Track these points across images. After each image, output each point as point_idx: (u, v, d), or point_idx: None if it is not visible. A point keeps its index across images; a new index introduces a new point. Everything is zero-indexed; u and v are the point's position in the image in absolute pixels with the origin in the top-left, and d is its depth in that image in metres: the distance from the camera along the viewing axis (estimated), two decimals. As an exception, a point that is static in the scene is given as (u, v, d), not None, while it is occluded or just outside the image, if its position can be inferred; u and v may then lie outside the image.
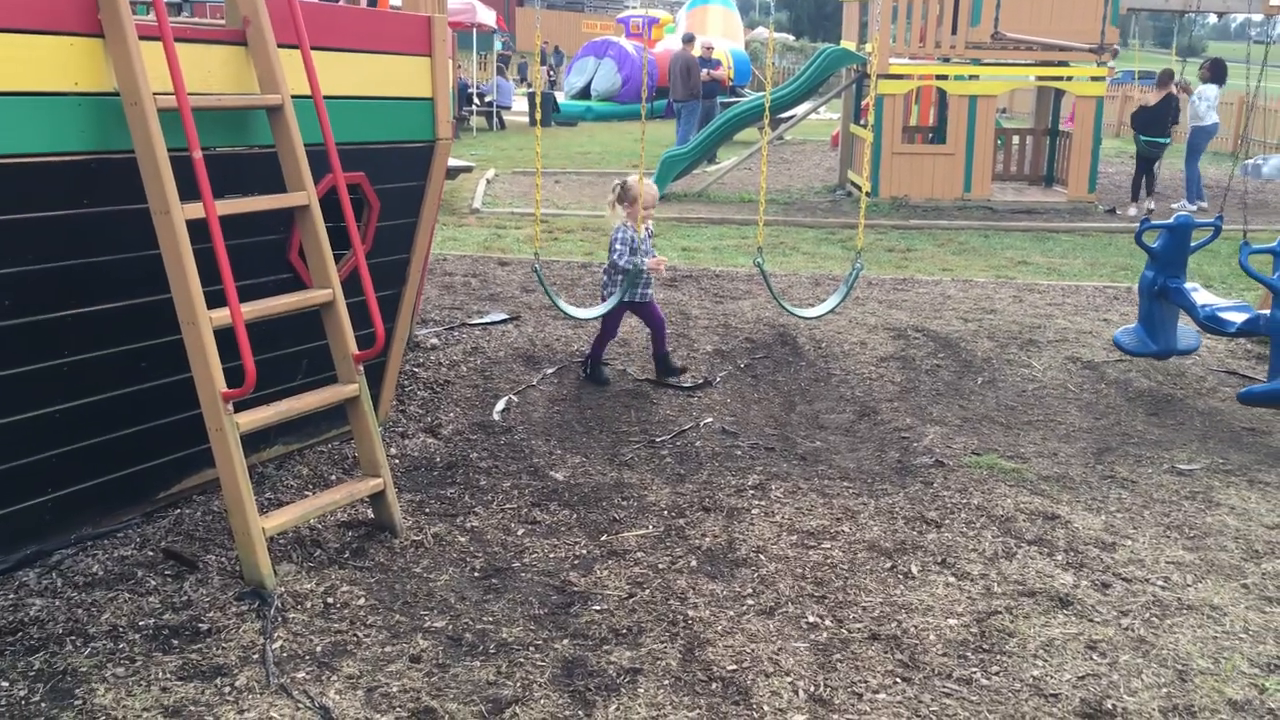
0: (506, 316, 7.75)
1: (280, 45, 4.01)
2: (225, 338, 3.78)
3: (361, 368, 4.15)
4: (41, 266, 3.58)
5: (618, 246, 5.81)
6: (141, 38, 3.53)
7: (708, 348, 7.13)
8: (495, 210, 13.29)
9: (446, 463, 5.03)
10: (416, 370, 6.39)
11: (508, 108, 26.03)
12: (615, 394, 6.17)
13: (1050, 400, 6.23)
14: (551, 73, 32.58)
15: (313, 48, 4.08)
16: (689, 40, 18.16)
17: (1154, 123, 13.47)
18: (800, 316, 6.80)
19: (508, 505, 4.58)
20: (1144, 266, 6.56)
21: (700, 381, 6.39)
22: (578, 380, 6.40)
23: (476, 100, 23.67)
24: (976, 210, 13.73)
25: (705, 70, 18.07)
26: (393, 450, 5.15)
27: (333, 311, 4.13)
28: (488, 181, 15.68)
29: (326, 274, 4.10)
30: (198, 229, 3.63)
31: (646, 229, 5.90)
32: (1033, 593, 3.92)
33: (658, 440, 5.43)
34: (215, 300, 3.70)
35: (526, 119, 26.07)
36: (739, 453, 5.30)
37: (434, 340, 7.04)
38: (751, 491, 4.78)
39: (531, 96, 26.06)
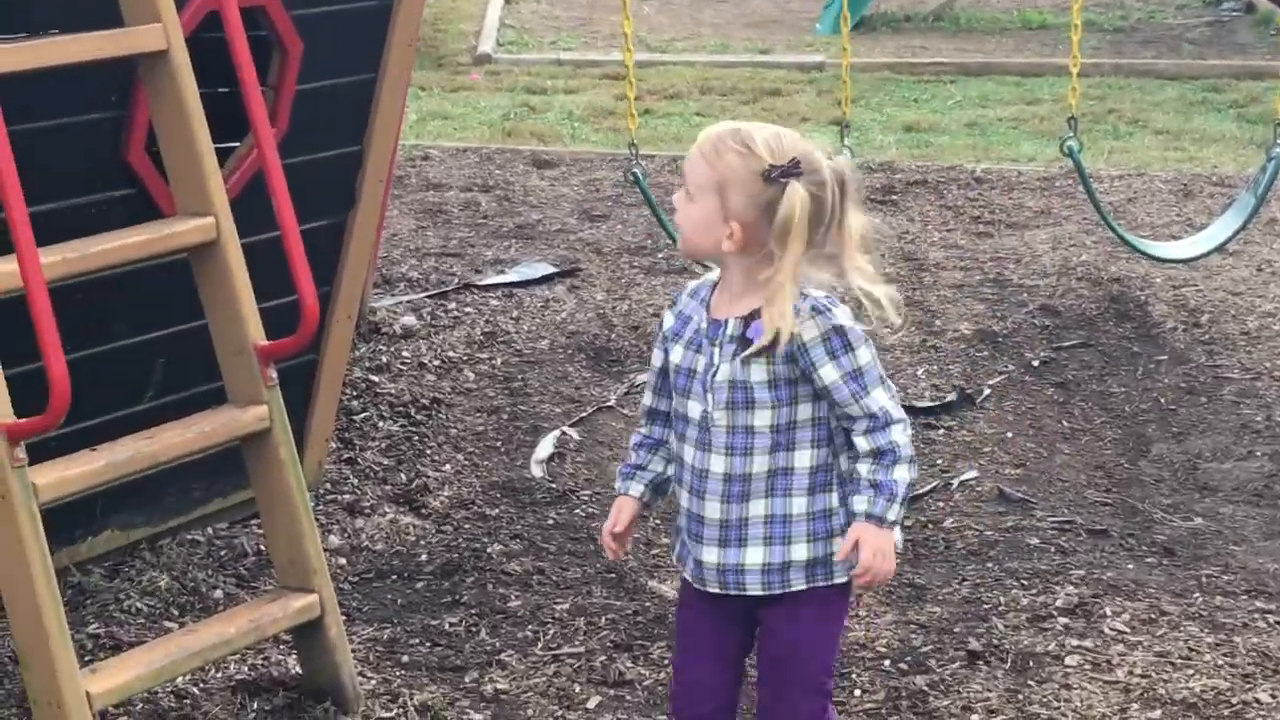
0: (553, 270, 7.83)
1: None
2: (6, 317, 3.86)
3: (274, 373, 4.22)
4: None
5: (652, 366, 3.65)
6: None
7: (962, 327, 7.13)
8: (524, 57, 13.46)
9: (442, 564, 5.11)
10: (376, 379, 6.50)
11: None
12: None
13: None
14: None
15: None
16: None
17: None
18: (1157, 258, 6.73)
19: (566, 648, 4.62)
20: None
21: (949, 397, 6.40)
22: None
23: None
24: None
25: None
26: (334, 539, 5.23)
27: (215, 261, 4.17)
28: (506, 1, 15.85)
29: (203, 187, 4.15)
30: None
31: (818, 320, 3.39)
32: None
33: (865, 516, 5.45)
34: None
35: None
36: (1034, 540, 5.29)
37: (410, 319, 7.15)
38: (1063, 619, 4.75)
39: None
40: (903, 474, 3.33)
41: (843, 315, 3.33)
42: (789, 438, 3.39)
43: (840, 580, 3.41)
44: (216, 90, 4.60)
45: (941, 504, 5.55)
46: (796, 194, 3.28)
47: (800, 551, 3.40)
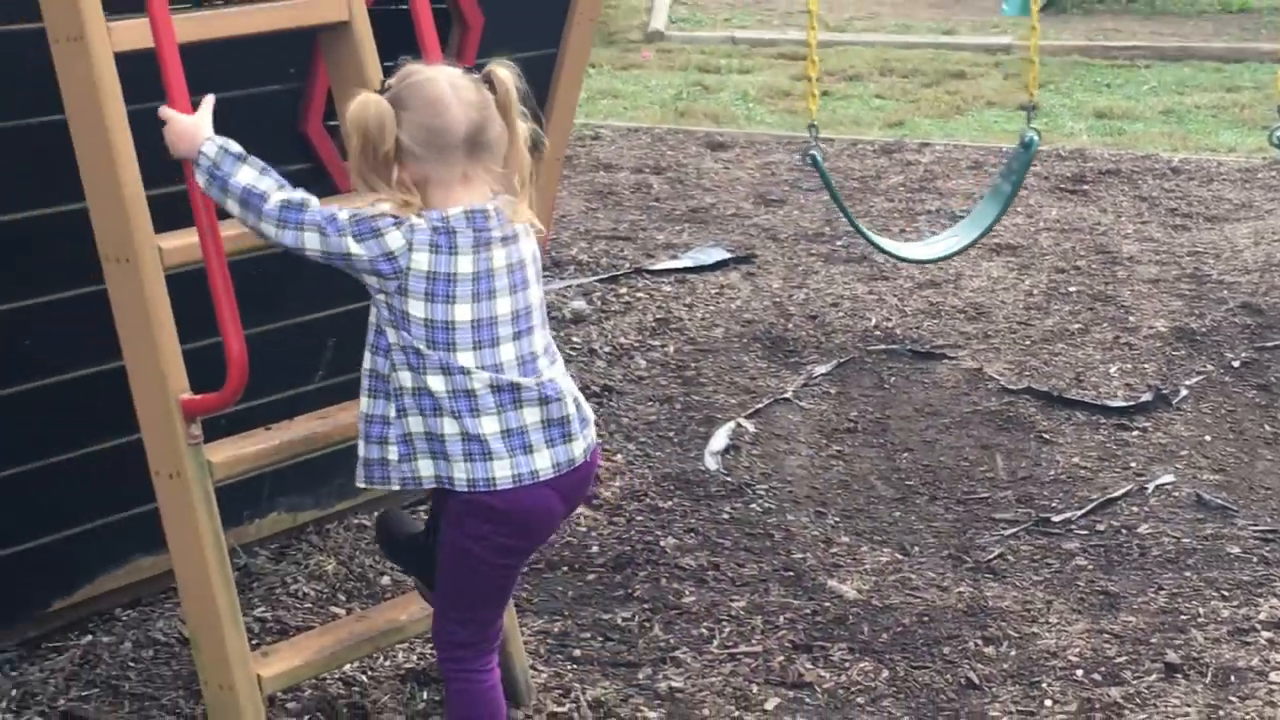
0: (728, 255, 7.85)
1: None
2: (184, 291, 3.93)
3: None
4: None
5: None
6: None
7: (1158, 324, 7.06)
8: (697, 35, 13.48)
9: (614, 556, 5.16)
10: (546, 365, 6.53)
11: None
12: (961, 420, 6.18)
13: None
14: None
15: None
16: None
17: None
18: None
19: (743, 647, 4.64)
20: None
21: (1145, 397, 6.36)
22: (879, 390, 6.42)
23: None
24: None
25: None
26: (504, 528, 5.28)
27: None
28: (679, -25, 15.91)
29: (383, 163, 4.21)
30: (137, 72, 3.80)
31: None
32: None
33: (1057, 519, 5.44)
34: (166, 217, 3.87)
35: None
36: (1235, 549, 5.23)
37: (580, 304, 7.20)
38: (1267, 634, 4.70)
39: None
40: (245, 181, 3.59)
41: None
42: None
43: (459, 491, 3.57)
44: (397, 64, 4.65)
45: (1136, 508, 5.50)
46: (358, 101, 3.57)
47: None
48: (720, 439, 5.98)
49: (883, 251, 6.49)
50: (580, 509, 5.43)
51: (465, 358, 3.52)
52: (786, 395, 6.35)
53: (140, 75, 3.80)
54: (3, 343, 4.24)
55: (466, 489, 3.55)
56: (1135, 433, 6.06)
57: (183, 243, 3.82)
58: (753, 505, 5.51)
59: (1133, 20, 13.83)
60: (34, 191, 4.11)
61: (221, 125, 4.29)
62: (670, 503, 5.51)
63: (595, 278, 7.55)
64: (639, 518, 5.41)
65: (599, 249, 7.97)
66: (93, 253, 3.84)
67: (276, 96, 4.59)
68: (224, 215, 3.80)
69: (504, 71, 3.63)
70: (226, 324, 3.74)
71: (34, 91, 3.88)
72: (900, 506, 5.55)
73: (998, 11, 14.22)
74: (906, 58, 12.57)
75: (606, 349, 6.75)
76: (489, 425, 3.53)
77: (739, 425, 6.09)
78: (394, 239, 3.48)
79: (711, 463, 5.82)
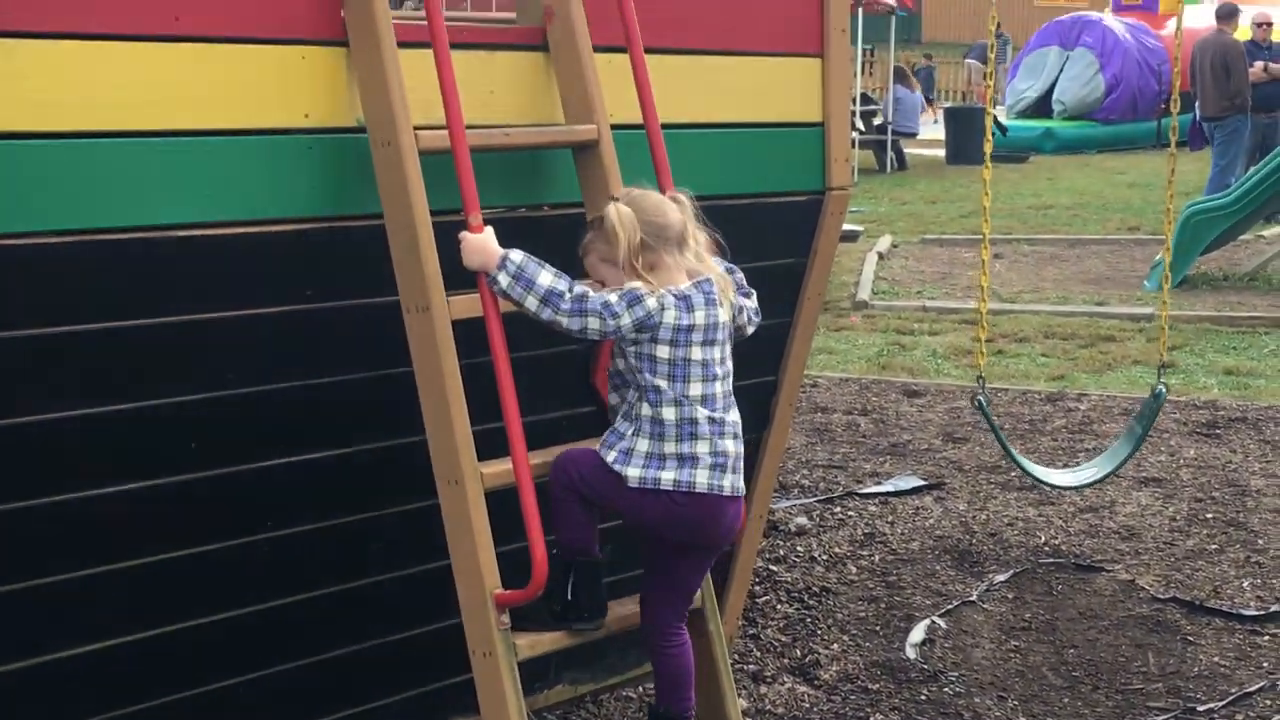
0: (922, 483, 7.79)
1: (596, 48, 4.30)
2: (498, 505, 4.01)
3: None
4: (241, 393, 3.97)
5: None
6: (398, 43, 3.89)
7: (1286, 549, 6.85)
8: (895, 304, 13.48)
9: (831, 729, 5.09)
10: (775, 569, 6.52)
11: (912, 134, 26.51)
12: (1117, 623, 6.03)
13: None
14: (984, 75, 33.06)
15: (647, 50, 4.34)
16: (1228, 14, 17.84)
17: None
18: None
19: (939, 809, 4.54)
20: None
21: (1274, 607, 6.15)
22: (1048, 596, 6.31)
23: (859, 124, 24.26)
24: None
25: (1260, 64, 17.66)
26: (742, 702, 5.21)
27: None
28: (880, 257, 15.97)
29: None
30: (468, 335, 3.92)
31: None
32: None
33: (1201, 709, 5.26)
34: (486, 448, 3.96)
35: (940, 152, 26.47)
36: (1359, 742, 5.02)
37: (802, 519, 7.18)
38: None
39: (966, 117, 26.27)
40: (546, 283, 3.85)
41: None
42: None
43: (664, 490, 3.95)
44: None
45: (1269, 701, 5.31)
46: (611, 208, 3.93)
47: None
48: (918, 633, 5.90)
49: (1031, 476, 6.41)
50: (797, 685, 5.39)
51: (695, 389, 3.93)
52: (972, 599, 6.25)
53: (471, 336, 3.92)
54: (356, 544, 4.34)
55: (671, 487, 3.91)
56: (1266, 637, 5.86)
57: (500, 469, 3.91)
58: (945, 689, 5.41)
59: (1253, 295, 13.57)
60: (386, 427, 4.23)
61: (535, 376, 4.40)
62: (878, 685, 5.43)
63: (814, 499, 7.53)
64: (852, 696, 5.34)
65: (817, 475, 7.96)
66: (429, 475, 3.94)
67: (575, 354, 4.70)
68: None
69: (684, 195, 4.05)
70: (533, 534, 3.80)
71: (389, 348, 4.01)
72: (1068, 694, 5.41)
73: (1140, 287, 14.05)
74: (1066, 324, 12.44)
75: (824, 557, 6.72)
76: (702, 447, 3.93)
77: (933, 622, 6.00)
78: (652, 302, 3.88)
79: (911, 653, 5.73)
